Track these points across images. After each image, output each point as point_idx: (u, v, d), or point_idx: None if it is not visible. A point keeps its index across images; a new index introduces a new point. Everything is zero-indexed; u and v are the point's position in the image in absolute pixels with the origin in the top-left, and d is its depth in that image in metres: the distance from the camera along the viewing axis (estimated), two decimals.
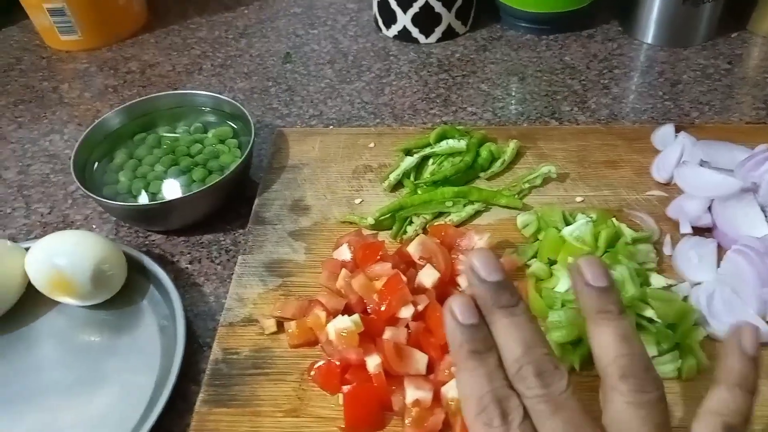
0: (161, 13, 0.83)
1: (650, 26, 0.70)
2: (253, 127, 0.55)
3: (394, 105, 0.66)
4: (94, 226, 0.55)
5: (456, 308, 0.28)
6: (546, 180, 0.53)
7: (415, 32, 0.73)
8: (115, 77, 0.72)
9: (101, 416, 0.42)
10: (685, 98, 0.64)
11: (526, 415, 0.27)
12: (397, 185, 0.54)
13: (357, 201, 0.53)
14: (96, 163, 0.56)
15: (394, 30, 0.74)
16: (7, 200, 0.58)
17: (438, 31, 0.73)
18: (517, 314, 0.28)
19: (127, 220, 0.55)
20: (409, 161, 0.54)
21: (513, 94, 0.66)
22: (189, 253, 0.53)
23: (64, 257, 0.46)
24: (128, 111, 0.59)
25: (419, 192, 0.51)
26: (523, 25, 0.74)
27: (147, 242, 0.54)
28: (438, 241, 0.46)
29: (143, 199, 0.54)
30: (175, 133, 0.59)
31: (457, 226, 0.50)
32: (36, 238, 0.53)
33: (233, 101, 0.58)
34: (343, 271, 0.44)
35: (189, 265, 0.52)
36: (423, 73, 0.70)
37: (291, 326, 0.43)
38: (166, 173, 0.55)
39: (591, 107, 0.64)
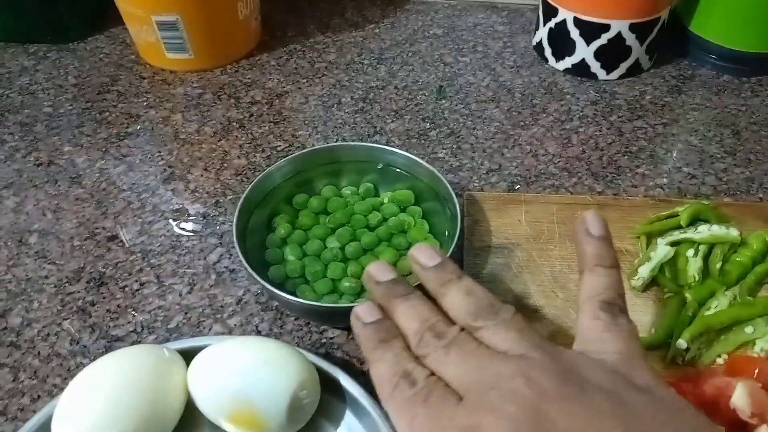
0: (277, 30, 0.71)
1: None
2: (456, 200, 0.44)
3: (590, 160, 0.54)
4: (251, 315, 0.44)
5: (360, 312, 0.32)
6: None
7: (595, 66, 0.61)
8: (238, 109, 0.60)
9: None
10: None
11: (432, 374, 0.29)
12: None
13: None
14: (256, 231, 0.45)
15: (568, 62, 0.62)
16: (132, 272, 0.47)
17: (623, 67, 0.61)
18: (412, 298, 0.32)
19: (307, 317, 0.44)
20: (663, 251, 0.42)
21: (730, 152, 0.55)
22: None
23: (254, 382, 0.34)
24: (292, 164, 0.47)
25: (727, 300, 0.39)
26: (718, 63, 0.62)
27: (324, 340, 0.42)
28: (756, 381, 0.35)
29: (321, 287, 0.42)
30: (339, 194, 0.48)
31: None
32: (180, 333, 0.42)
33: (430, 167, 0.46)
34: None
35: None
36: (612, 118, 0.58)
37: None
38: (344, 252, 0.44)
39: None
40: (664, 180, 0.52)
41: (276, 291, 0.39)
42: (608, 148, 0.55)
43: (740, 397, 0.33)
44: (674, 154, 0.54)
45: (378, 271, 0.33)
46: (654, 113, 0.58)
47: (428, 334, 0.30)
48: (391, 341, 0.31)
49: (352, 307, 0.40)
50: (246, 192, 0.45)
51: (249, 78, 0.64)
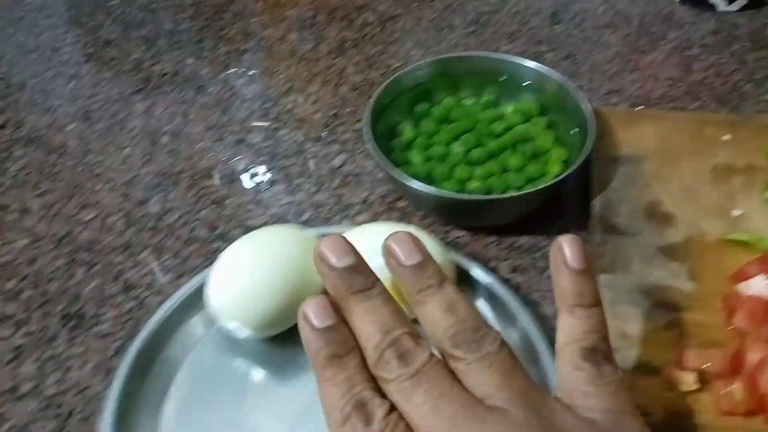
0: None
1: None
2: (587, 105, 0.44)
3: (712, 86, 0.53)
4: (377, 214, 0.46)
5: (310, 311, 0.26)
6: None
7: None
8: (351, 29, 0.61)
9: None
10: None
11: (392, 408, 0.24)
12: None
13: (735, 213, 0.41)
14: (383, 138, 0.45)
15: None
16: (262, 173, 0.49)
17: None
18: (372, 297, 0.26)
19: (431, 212, 0.45)
20: None
21: None
22: (507, 259, 0.42)
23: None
24: (414, 74, 0.48)
25: None
26: None
27: (450, 239, 0.44)
28: None
29: (448, 187, 0.43)
30: (463, 105, 0.49)
31: None
32: (312, 226, 0.44)
33: (559, 75, 0.46)
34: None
35: (510, 274, 0.42)
36: (735, 47, 0.57)
37: (732, 387, 0.32)
38: (468, 157, 0.45)
39: None
40: None
41: (411, 183, 0.41)
42: (731, 75, 0.54)
43: None
44: None
45: (333, 250, 0.26)
46: None
47: (391, 352, 0.24)
48: (345, 357, 0.25)
49: (485, 200, 0.41)
50: (376, 95, 0.46)
51: (361, 2, 0.64)
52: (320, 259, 0.26)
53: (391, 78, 0.47)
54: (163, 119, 0.54)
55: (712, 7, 0.60)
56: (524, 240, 0.43)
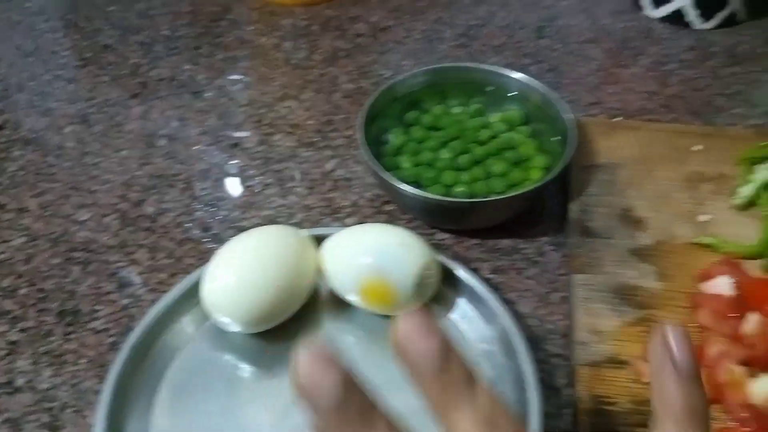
0: None
1: None
2: (569, 115, 0.46)
3: (687, 99, 0.56)
4: (366, 216, 0.47)
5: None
6: None
7: (692, 15, 0.62)
8: (344, 39, 0.63)
9: None
10: None
11: None
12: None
13: (702, 218, 0.43)
14: (372, 145, 0.47)
15: (664, 11, 0.63)
16: (256, 176, 0.51)
17: (719, 17, 0.62)
18: None
19: (418, 215, 0.47)
20: (764, 174, 0.44)
21: None
22: (488, 261, 0.44)
23: (387, 259, 0.38)
24: (404, 84, 0.50)
25: None
26: None
27: (435, 241, 0.46)
28: None
29: (435, 191, 0.45)
30: (450, 113, 0.51)
31: None
32: (303, 228, 0.46)
33: (542, 86, 0.49)
34: (753, 316, 0.36)
35: (493, 275, 0.44)
36: (710, 63, 0.59)
37: None
38: (455, 162, 0.47)
39: None
40: (760, 121, 0.53)
41: (400, 186, 0.43)
42: (706, 90, 0.56)
43: None
44: None
45: (312, 370, 0.19)
46: (751, 61, 0.59)
47: None
48: None
49: (469, 203, 0.43)
50: (368, 102, 0.48)
51: (353, 13, 0.67)
52: (300, 385, 0.19)
53: (384, 86, 0.49)
54: (159, 122, 0.56)
55: (688, 25, 0.63)
56: (505, 243, 0.45)
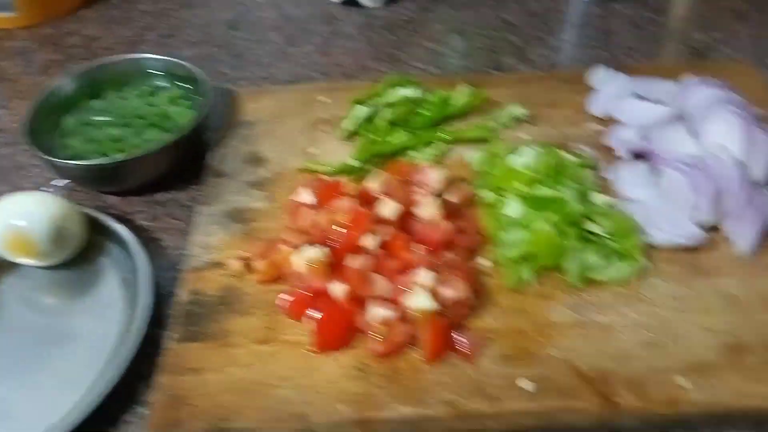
0: None
1: None
2: (206, 84, 0.56)
3: (344, 65, 0.67)
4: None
5: None
6: (514, 121, 0.55)
7: None
8: (58, 52, 0.71)
9: (74, 370, 0.42)
10: (616, 46, 0.68)
11: None
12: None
13: (313, 150, 0.54)
14: (47, 132, 0.56)
15: None
16: None
17: None
18: None
19: (82, 182, 0.55)
20: (362, 110, 0.55)
21: (457, 50, 0.69)
22: (146, 212, 0.53)
23: (21, 216, 0.46)
24: (77, 79, 0.59)
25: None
26: None
27: (102, 204, 0.54)
28: (396, 177, 0.48)
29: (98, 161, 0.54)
30: (124, 98, 0.59)
31: None
32: None
33: (183, 63, 0.58)
34: (306, 210, 0.46)
35: (147, 222, 0.52)
36: (370, 34, 0.71)
37: (259, 264, 0.44)
38: (119, 135, 0.55)
39: (531, 59, 0.67)
40: (397, 74, 0.65)
41: (57, 160, 0.51)
42: (361, 56, 0.68)
43: (373, 182, 0.46)
44: (410, 55, 0.68)
45: None
46: (404, 28, 0.72)
47: None
48: None
49: (120, 162, 0.51)
50: (34, 101, 0.56)
51: (70, 29, 0.74)
52: None
53: (44, 94, 0.57)
54: None
55: (360, 6, 0.75)
56: (163, 195, 0.54)
